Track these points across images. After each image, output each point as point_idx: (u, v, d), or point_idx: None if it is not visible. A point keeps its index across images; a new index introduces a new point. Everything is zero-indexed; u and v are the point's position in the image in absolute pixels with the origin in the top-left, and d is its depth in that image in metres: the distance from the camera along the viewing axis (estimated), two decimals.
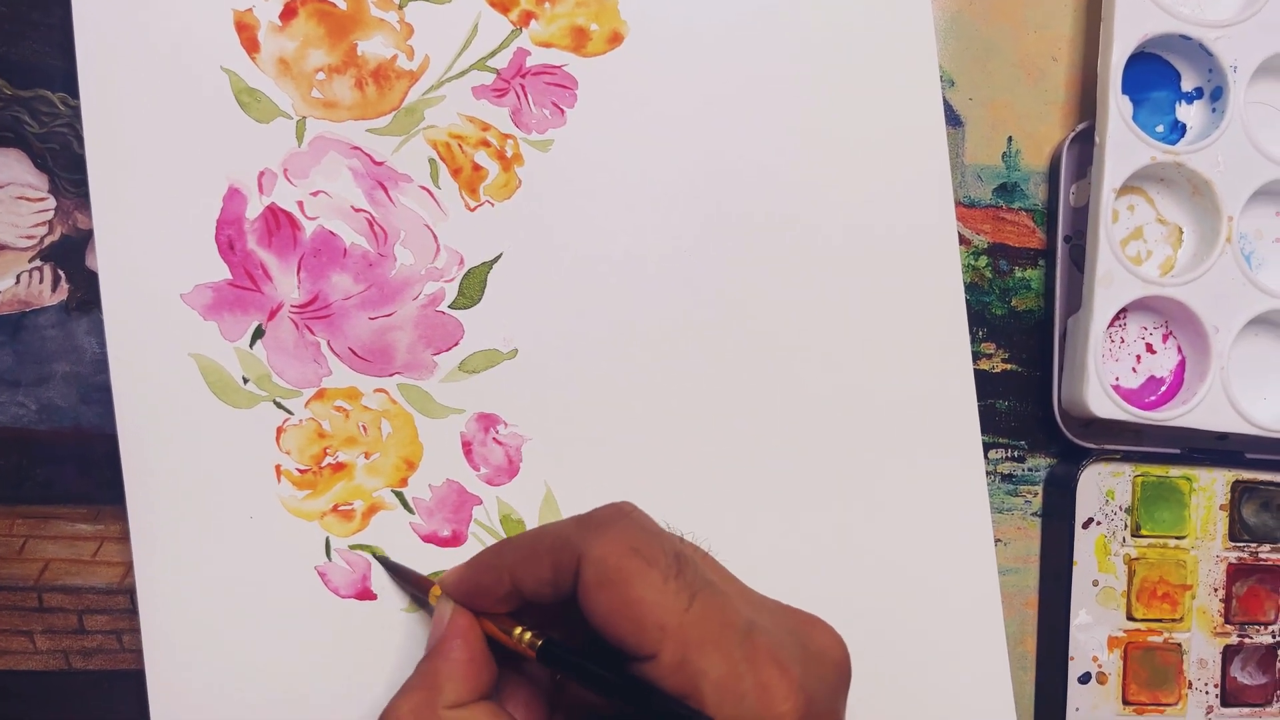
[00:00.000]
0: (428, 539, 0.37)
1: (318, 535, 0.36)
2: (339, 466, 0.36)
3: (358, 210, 0.36)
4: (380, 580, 0.36)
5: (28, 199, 0.36)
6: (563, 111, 0.38)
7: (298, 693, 0.36)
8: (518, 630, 0.31)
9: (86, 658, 0.36)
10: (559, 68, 0.38)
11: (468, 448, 0.37)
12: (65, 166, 0.36)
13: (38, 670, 0.36)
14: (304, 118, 0.36)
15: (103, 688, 0.36)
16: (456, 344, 0.37)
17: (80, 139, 0.36)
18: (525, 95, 0.37)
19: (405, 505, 0.37)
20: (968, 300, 0.40)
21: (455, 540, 0.37)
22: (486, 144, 0.37)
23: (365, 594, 0.36)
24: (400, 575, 0.36)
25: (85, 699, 0.36)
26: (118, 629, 0.36)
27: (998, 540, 0.41)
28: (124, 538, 0.36)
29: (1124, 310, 0.40)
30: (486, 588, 0.31)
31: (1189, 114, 0.41)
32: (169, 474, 0.35)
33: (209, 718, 0.35)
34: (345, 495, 0.36)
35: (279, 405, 0.36)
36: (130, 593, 0.36)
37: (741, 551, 0.38)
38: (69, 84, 0.36)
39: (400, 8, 0.37)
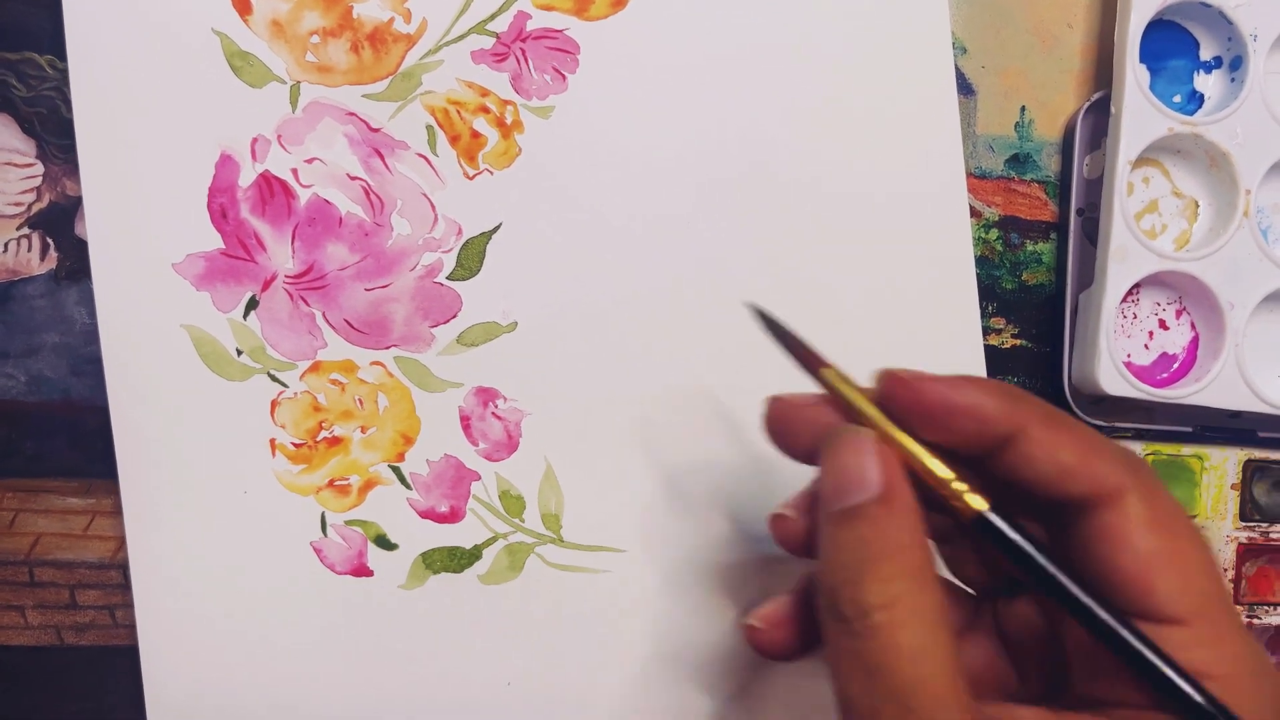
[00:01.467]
0: (425, 515, 0.36)
1: (313, 510, 0.36)
2: (335, 441, 0.36)
3: (353, 178, 0.36)
4: (377, 557, 0.36)
5: (15, 165, 0.35)
6: (564, 77, 0.37)
7: (293, 669, 0.35)
8: (952, 476, 0.24)
9: (79, 633, 0.36)
10: (560, 32, 0.37)
11: (466, 422, 0.36)
12: (53, 131, 0.35)
13: (30, 645, 0.36)
14: (298, 82, 0.35)
15: (96, 663, 0.36)
16: (454, 316, 0.36)
17: (68, 103, 0.35)
18: (526, 60, 0.36)
19: (402, 480, 0.36)
20: (978, 274, 0.39)
21: (453, 516, 0.36)
22: (485, 110, 0.36)
23: (361, 570, 0.36)
24: (779, 335, 0.29)
25: (78, 674, 0.36)
26: (110, 604, 0.36)
27: None
28: (116, 512, 0.35)
29: (1137, 285, 0.39)
30: (985, 414, 0.25)
31: (1207, 84, 0.40)
32: (161, 447, 0.35)
33: (203, 694, 0.35)
34: (341, 470, 0.36)
35: (273, 378, 0.35)
36: (123, 567, 0.35)
37: (746, 528, 0.37)
38: (56, 46, 0.35)
39: None
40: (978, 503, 0.24)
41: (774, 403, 0.28)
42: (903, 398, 0.25)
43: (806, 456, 0.27)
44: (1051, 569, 0.24)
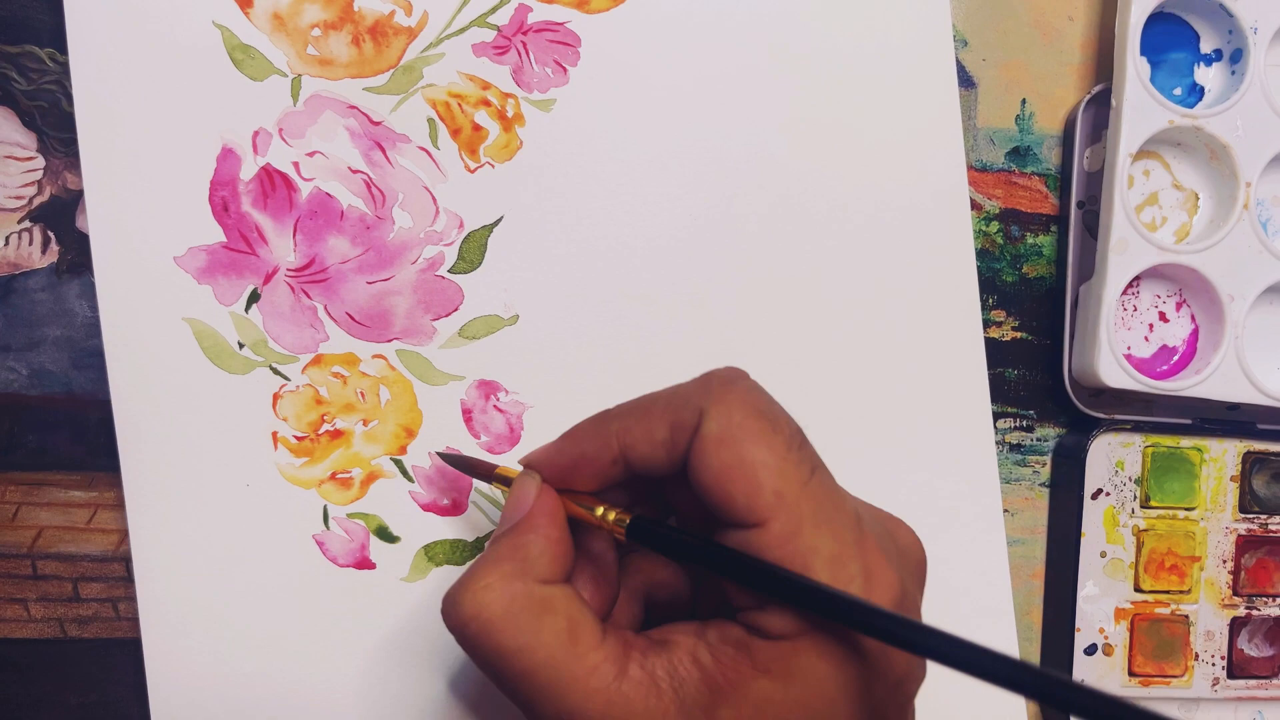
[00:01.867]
0: (427, 508, 0.36)
1: (316, 503, 0.36)
2: (337, 434, 0.36)
3: (355, 171, 0.36)
4: (379, 550, 0.36)
5: (16, 158, 0.35)
6: (565, 70, 0.37)
7: (295, 661, 0.35)
8: (600, 509, 0.29)
9: (82, 626, 0.36)
10: (562, 24, 0.37)
11: (468, 415, 0.36)
12: (54, 125, 0.35)
13: (33, 638, 0.36)
14: (299, 75, 0.35)
15: (99, 656, 0.36)
16: (456, 309, 0.36)
17: (69, 96, 0.35)
18: (527, 53, 0.36)
19: (404, 473, 0.36)
20: (978, 267, 0.39)
21: (455, 509, 0.36)
22: (487, 103, 0.36)
23: (364, 563, 0.36)
24: (456, 464, 0.34)
25: (81, 667, 0.36)
26: (113, 597, 0.36)
27: (1006, 510, 0.40)
28: (118, 505, 0.35)
29: (1137, 278, 0.39)
30: (588, 457, 0.29)
31: (1207, 76, 0.40)
32: (164, 441, 0.35)
33: (206, 686, 0.35)
34: (343, 463, 0.36)
35: (275, 371, 0.35)
36: (125, 560, 0.35)
37: None
38: (57, 40, 0.35)
39: None
40: (623, 518, 0.29)
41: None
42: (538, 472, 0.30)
43: None
44: (661, 532, 0.28)
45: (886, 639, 0.25)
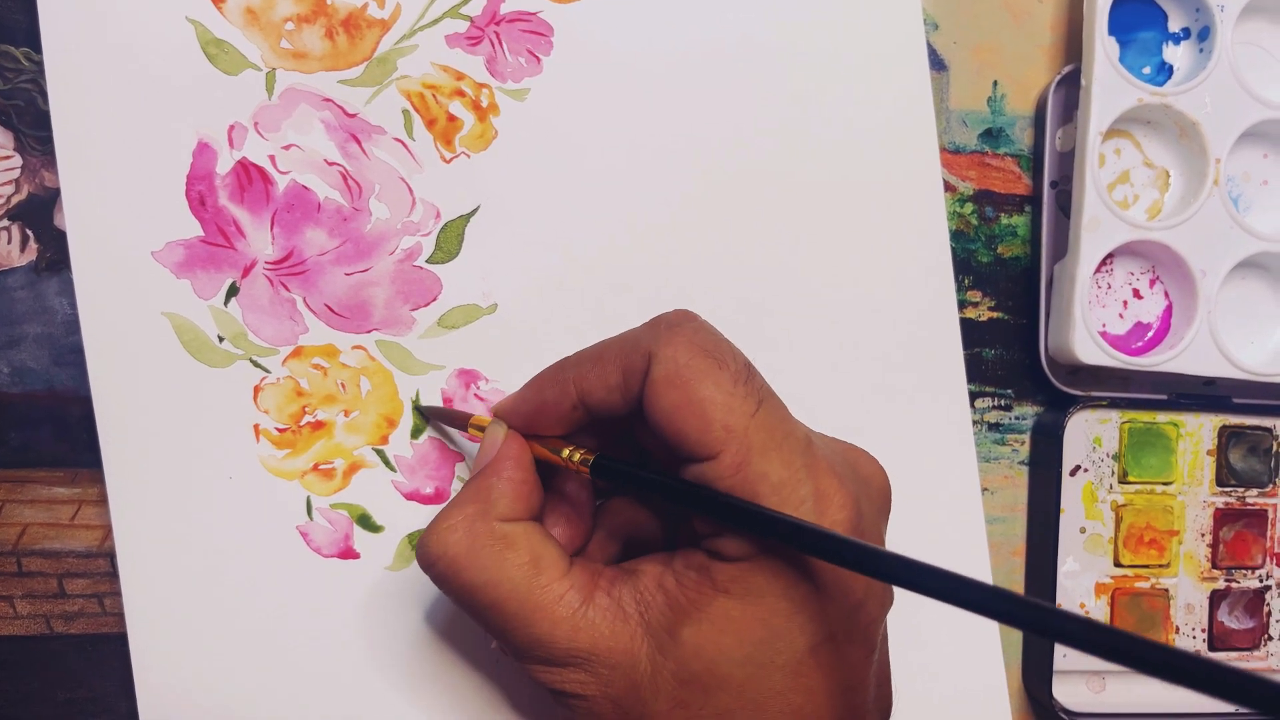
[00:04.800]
0: (410, 496, 0.36)
1: (298, 495, 0.36)
2: (318, 425, 0.36)
3: (331, 164, 0.36)
4: (362, 539, 0.36)
5: None
6: (539, 60, 0.37)
7: (281, 652, 0.35)
8: (567, 451, 0.31)
9: (68, 621, 0.36)
10: (534, 14, 0.37)
11: (449, 404, 0.36)
12: (30, 124, 0.35)
13: (19, 635, 0.36)
14: (273, 69, 0.35)
15: (85, 651, 0.36)
16: (435, 299, 0.36)
17: (45, 95, 0.35)
18: (500, 43, 0.37)
19: (387, 463, 0.36)
20: (953, 247, 0.40)
21: (438, 498, 0.36)
22: (461, 94, 0.36)
23: (348, 553, 0.36)
24: (438, 416, 0.36)
25: (68, 663, 0.36)
26: (98, 592, 0.36)
27: (985, 489, 0.40)
28: (102, 500, 0.35)
29: (1110, 255, 0.39)
30: (550, 404, 0.31)
31: (1176, 55, 0.41)
32: (146, 435, 0.35)
33: (192, 679, 0.35)
34: (325, 454, 0.36)
35: (255, 364, 0.36)
36: (110, 556, 0.35)
37: None
38: (32, 39, 0.35)
39: None
40: (587, 459, 0.30)
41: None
42: (506, 421, 0.32)
43: None
44: (623, 470, 0.30)
45: (831, 559, 0.26)
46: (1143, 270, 0.41)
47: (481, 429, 0.33)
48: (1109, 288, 0.41)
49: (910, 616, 0.39)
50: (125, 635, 0.35)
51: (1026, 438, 0.41)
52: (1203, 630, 0.41)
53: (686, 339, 0.28)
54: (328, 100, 0.36)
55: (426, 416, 0.36)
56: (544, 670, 0.29)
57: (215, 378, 0.35)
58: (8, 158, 0.35)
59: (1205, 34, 0.40)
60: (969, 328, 0.40)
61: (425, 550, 0.30)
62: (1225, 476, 0.41)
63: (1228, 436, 0.41)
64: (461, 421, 0.35)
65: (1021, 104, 0.41)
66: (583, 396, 0.30)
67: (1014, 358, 0.41)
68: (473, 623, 0.36)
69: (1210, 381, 0.41)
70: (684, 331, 0.29)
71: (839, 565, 0.26)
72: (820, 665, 0.28)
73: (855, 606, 0.28)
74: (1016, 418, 0.41)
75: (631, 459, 0.31)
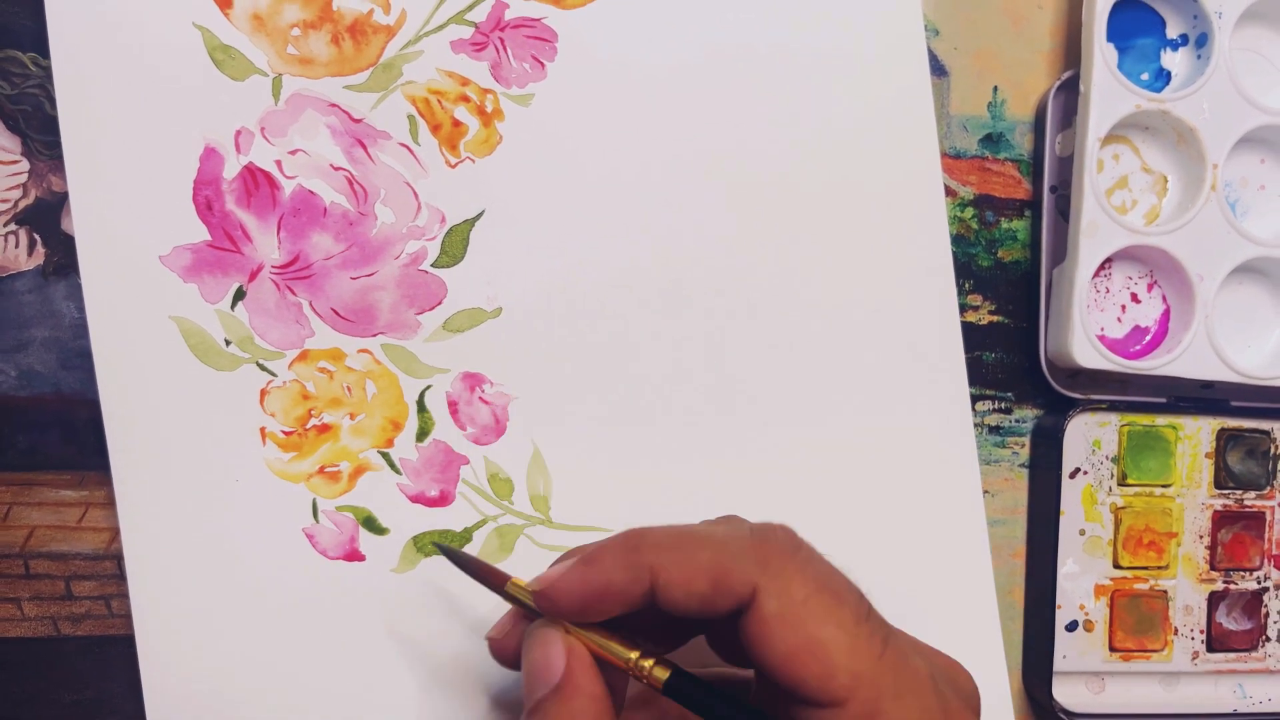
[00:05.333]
0: (415, 499, 0.37)
1: (304, 497, 0.36)
2: (324, 428, 0.36)
3: (337, 169, 0.36)
4: (368, 541, 0.36)
5: (1, 162, 0.35)
6: (543, 65, 0.37)
7: (287, 654, 0.36)
8: (635, 655, 0.27)
9: (75, 624, 0.36)
10: (538, 20, 0.37)
11: (454, 407, 0.37)
12: (38, 128, 0.36)
13: (26, 637, 0.36)
14: (280, 75, 0.36)
15: (92, 653, 0.36)
16: (440, 303, 0.37)
17: (52, 100, 0.35)
18: (504, 49, 0.37)
19: (392, 466, 0.36)
20: (954, 252, 0.40)
21: (443, 500, 0.37)
22: (466, 99, 0.37)
23: (354, 555, 0.36)
24: (461, 564, 0.32)
25: (75, 664, 0.36)
26: (106, 594, 0.36)
27: (986, 491, 0.41)
28: (109, 503, 0.35)
29: (1109, 260, 0.39)
30: (615, 589, 0.26)
31: (1174, 61, 0.41)
32: (153, 439, 0.35)
33: (200, 681, 0.35)
34: (331, 457, 0.36)
35: (262, 367, 0.36)
36: (117, 558, 0.36)
37: (726, 507, 0.38)
38: (39, 44, 0.35)
39: None
40: (661, 672, 0.27)
41: (493, 640, 0.30)
42: (550, 605, 0.27)
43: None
44: (714, 705, 0.26)
45: None
46: (1141, 275, 0.41)
47: (520, 599, 0.29)
48: (1107, 292, 0.41)
49: (911, 618, 0.39)
50: (132, 637, 0.35)
51: (1027, 440, 0.41)
52: (1201, 632, 0.41)
53: (800, 570, 0.26)
54: (334, 105, 0.36)
55: (452, 560, 0.32)
56: None
57: (222, 381, 0.36)
58: (15, 162, 0.36)
59: (1203, 40, 0.40)
60: (970, 331, 0.41)
61: None
62: (1223, 479, 0.41)
63: (1226, 439, 0.41)
64: (495, 583, 0.30)
65: (1021, 109, 0.41)
66: (658, 589, 0.26)
67: (1014, 361, 0.41)
68: (477, 625, 0.37)
69: (1208, 385, 0.41)
70: (796, 561, 0.26)
71: None
72: None
73: None
74: (1017, 421, 0.41)
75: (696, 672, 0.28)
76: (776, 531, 0.27)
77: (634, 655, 0.27)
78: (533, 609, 0.29)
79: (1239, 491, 0.41)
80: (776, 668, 0.25)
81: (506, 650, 0.30)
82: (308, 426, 0.36)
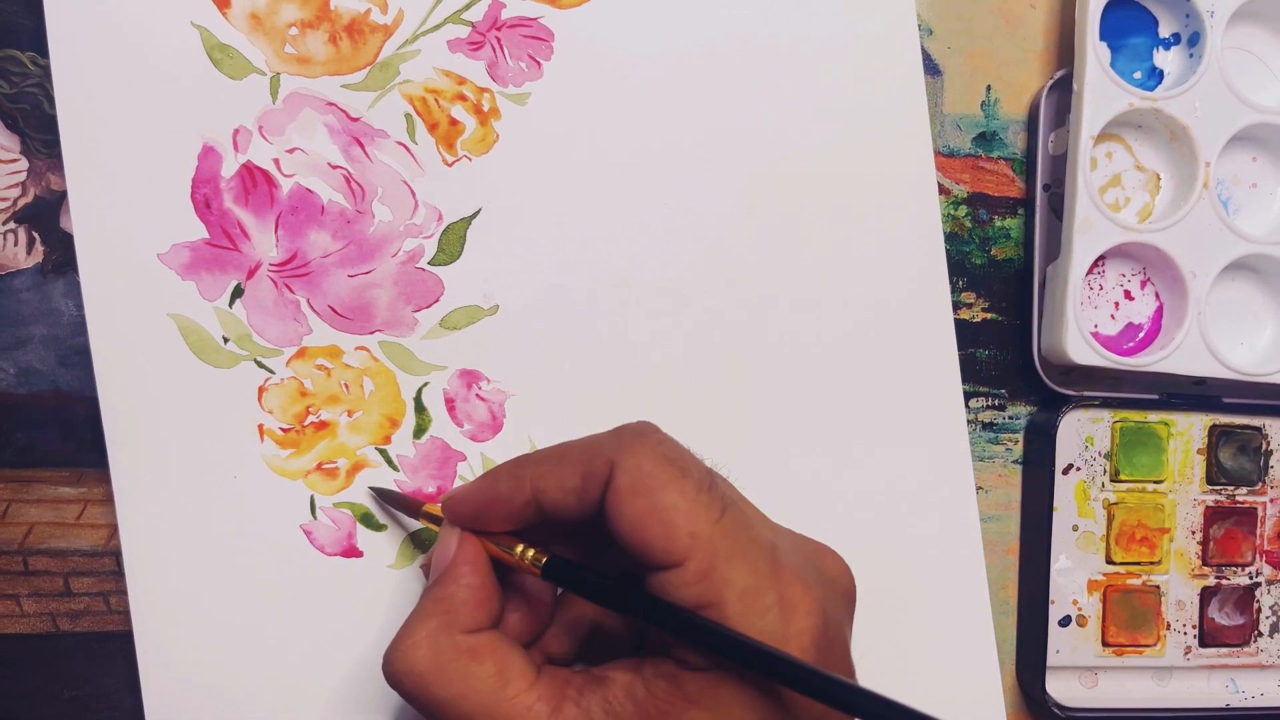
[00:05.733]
0: (413, 496, 0.37)
1: (302, 494, 0.36)
2: (322, 425, 0.36)
3: (334, 167, 0.36)
4: (366, 538, 0.36)
5: (0, 160, 0.36)
6: (539, 64, 0.37)
7: (285, 650, 0.36)
8: (519, 548, 0.31)
9: (74, 620, 0.36)
10: (535, 20, 0.37)
11: (451, 404, 0.37)
12: (37, 127, 0.36)
13: (25, 633, 0.36)
14: (278, 74, 0.36)
15: (91, 649, 0.36)
16: (437, 300, 0.37)
17: (51, 99, 0.35)
18: (501, 48, 0.37)
19: (389, 463, 0.37)
20: (947, 250, 0.40)
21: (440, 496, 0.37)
22: (463, 98, 0.37)
23: (351, 551, 0.36)
24: (388, 499, 0.36)
25: (74, 661, 0.36)
26: (104, 591, 0.36)
27: (979, 488, 0.41)
28: (108, 500, 0.36)
29: (1102, 257, 0.40)
30: (503, 500, 0.30)
31: (1166, 60, 0.41)
32: (151, 436, 0.35)
33: (198, 677, 0.36)
34: (329, 453, 0.36)
35: (260, 364, 0.36)
36: (116, 554, 0.36)
37: None
38: (38, 43, 0.35)
39: None
40: (540, 559, 0.30)
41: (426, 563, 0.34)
42: (453, 513, 0.32)
43: None
44: (581, 582, 0.30)
45: (791, 686, 0.26)
46: (1134, 272, 0.41)
47: (433, 518, 0.33)
48: (1101, 289, 0.41)
49: (906, 613, 0.39)
50: (131, 633, 0.35)
51: (1020, 437, 0.42)
52: (1193, 626, 0.42)
53: (649, 448, 0.28)
54: (331, 104, 0.36)
55: (378, 498, 0.36)
56: None
57: (220, 378, 0.36)
58: (14, 161, 0.36)
59: (1195, 39, 0.40)
60: (963, 329, 0.41)
61: (391, 668, 0.29)
62: (1215, 475, 0.42)
63: (1218, 435, 0.41)
64: (413, 509, 0.35)
65: (1015, 108, 0.42)
66: (538, 495, 0.30)
67: (1007, 358, 0.42)
68: None
69: (1200, 381, 0.41)
70: (647, 441, 0.29)
71: (798, 691, 0.26)
72: None
73: (819, 717, 0.28)
74: (1010, 417, 0.42)
75: (584, 557, 0.32)
76: (632, 423, 0.30)
77: (518, 549, 0.31)
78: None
79: (1231, 487, 0.42)
80: (627, 534, 0.28)
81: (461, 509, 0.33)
82: (305, 423, 0.36)
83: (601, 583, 0.29)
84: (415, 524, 0.37)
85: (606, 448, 0.29)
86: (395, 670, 0.29)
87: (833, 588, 0.30)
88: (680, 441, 0.30)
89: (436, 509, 0.33)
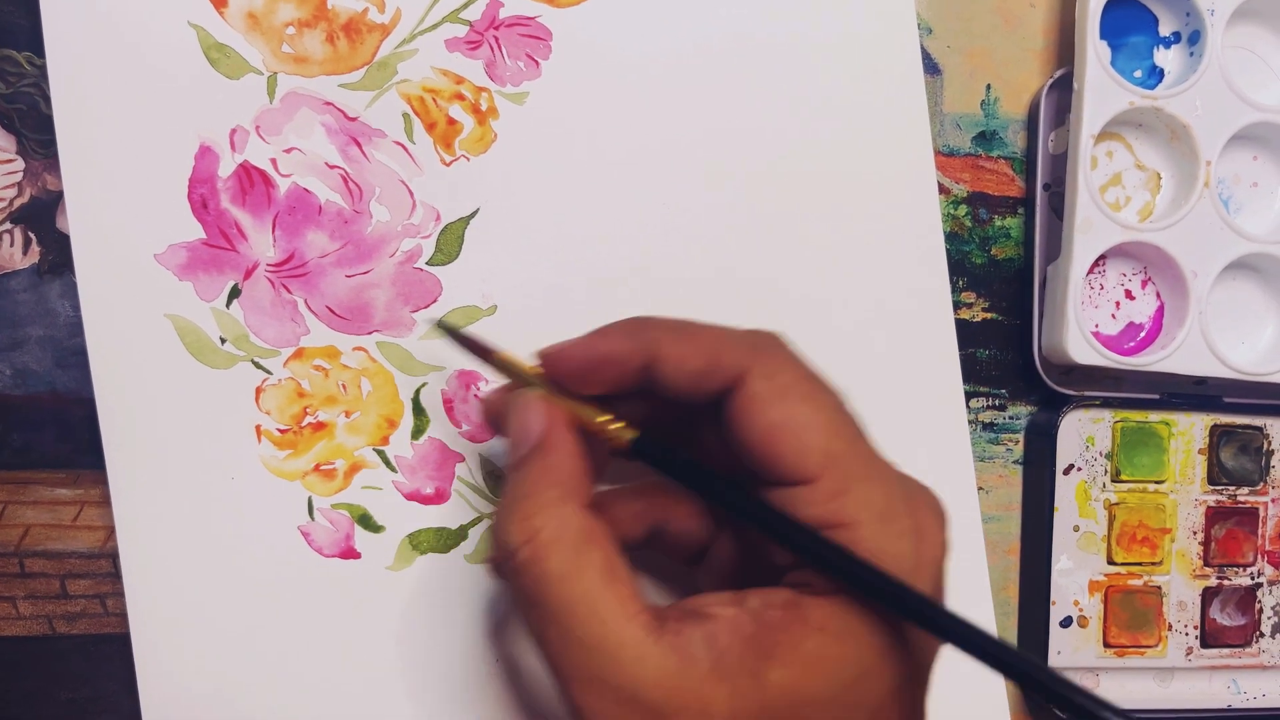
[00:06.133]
0: (410, 497, 0.37)
1: (300, 495, 0.36)
2: (319, 426, 0.36)
3: (332, 167, 0.36)
4: (364, 539, 0.36)
5: None
6: (537, 63, 0.37)
7: (283, 652, 0.36)
8: (607, 417, 0.28)
9: (70, 622, 0.36)
10: (533, 19, 0.37)
11: (449, 405, 0.37)
12: (33, 127, 0.36)
13: (21, 636, 0.36)
14: (275, 73, 0.36)
15: (87, 652, 0.36)
16: (435, 301, 0.37)
17: (47, 99, 0.35)
18: (499, 47, 0.37)
19: (387, 463, 0.37)
20: (948, 249, 0.40)
21: (439, 498, 0.37)
22: (461, 97, 0.37)
23: (349, 553, 0.36)
24: (458, 339, 0.32)
25: (71, 663, 0.36)
26: (101, 593, 0.36)
27: (980, 488, 0.41)
28: (105, 502, 0.35)
29: (1103, 257, 0.40)
30: (615, 359, 0.28)
31: (1167, 59, 0.41)
32: (148, 437, 0.35)
33: (195, 679, 0.36)
34: (327, 454, 0.36)
35: (257, 365, 0.36)
36: (112, 556, 0.36)
37: None
38: (34, 43, 0.35)
39: None
40: (628, 434, 0.28)
41: (485, 401, 0.32)
42: (553, 367, 0.29)
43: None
44: (681, 464, 0.28)
45: (925, 625, 0.25)
46: (1135, 271, 0.41)
47: (509, 368, 0.30)
48: (1101, 288, 0.41)
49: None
50: (128, 635, 0.35)
51: (1021, 437, 0.41)
52: (1195, 627, 0.41)
53: (787, 358, 0.27)
54: (328, 104, 0.36)
55: (450, 333, 0.32)
56: (595, 699, 0.25)
57: (217, 379, 0.36)
58: (10, 161, 0.36)
59: (1196, 38, 0.40)
60: (964, 329, 0.41)
61: (507, 536, 0.26)
62: (1216, 475, 0.41)
63: (1219, 435, 0.41)
64: (484, 352, 0.31)
65: (1015, 107, 0.42)
66: (654, 362, 0.27)
67: (1008, 358, 0.42)
68: (473, 622, 0.37)
69: (1201, 381, 0.41)
70: (784, 352, 0.27)
71: (931, 632, 0.25)
72: (900, 707, 0.26)
73: (928, 649, 0.27)
74: (1011, 417, 0.42)
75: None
76: (765, 330, 0.29)
77: (606, 418, 0.28)
78: (523, 378, 0.30)
79: (1232, 487, 0.42)
80: (756, 444, 0.26)
81: (494, 414, 0.32)
82: (303, 424, 0.36)
83: (714, 476, 0.27)
84: (413, 525, 0.37)
85: (741, 345, 0.27)
86: (512, 540, 0.26)
87: (942, 521, 0.29)
88: None
89: (511, 356, 0.30)
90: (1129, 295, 0.41)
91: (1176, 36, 0.41)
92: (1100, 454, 0.41)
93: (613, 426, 0.28)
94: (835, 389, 0.27)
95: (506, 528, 0.26)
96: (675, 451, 0.28)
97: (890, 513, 0.26)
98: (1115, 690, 0.41)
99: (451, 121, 0.37)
